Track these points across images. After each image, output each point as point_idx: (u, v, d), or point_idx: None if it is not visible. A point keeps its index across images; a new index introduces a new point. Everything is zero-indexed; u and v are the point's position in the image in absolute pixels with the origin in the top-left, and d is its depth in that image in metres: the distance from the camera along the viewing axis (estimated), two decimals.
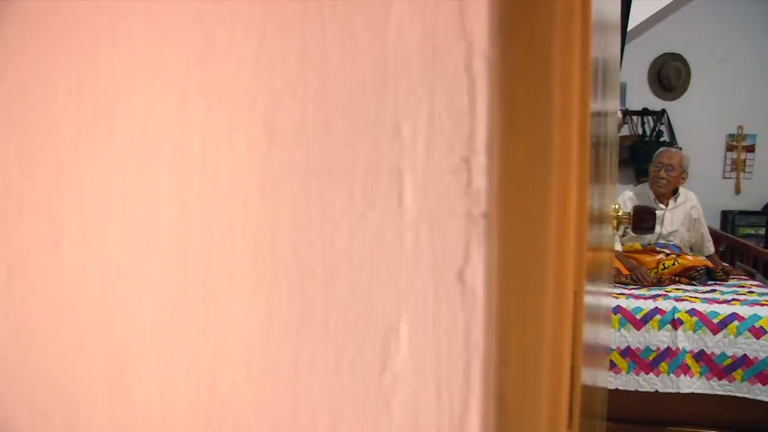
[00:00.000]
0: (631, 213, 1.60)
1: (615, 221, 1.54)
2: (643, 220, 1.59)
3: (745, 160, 4.49)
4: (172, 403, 0.31)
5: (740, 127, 4.48)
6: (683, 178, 3.31)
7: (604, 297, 1.20)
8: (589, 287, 0.64)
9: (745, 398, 2.58)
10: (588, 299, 0.64)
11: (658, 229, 3.27)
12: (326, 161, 0.26)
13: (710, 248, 3.39)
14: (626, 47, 4.25)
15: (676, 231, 3.30)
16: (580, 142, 0.44)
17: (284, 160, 0.27)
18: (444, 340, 0.26)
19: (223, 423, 0.30)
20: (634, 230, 1.59)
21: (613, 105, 1.37)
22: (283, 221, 0.27)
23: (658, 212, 3.26)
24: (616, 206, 1.54)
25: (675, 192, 3.33)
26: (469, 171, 0.25)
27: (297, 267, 0.27)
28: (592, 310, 0.76)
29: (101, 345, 0.31)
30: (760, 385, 2.56)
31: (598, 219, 0.91)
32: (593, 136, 0.64)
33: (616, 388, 2.63)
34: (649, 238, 3.28)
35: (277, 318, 0.28)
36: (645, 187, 3.38)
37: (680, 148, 4.34)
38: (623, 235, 3.23)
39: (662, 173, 3.22)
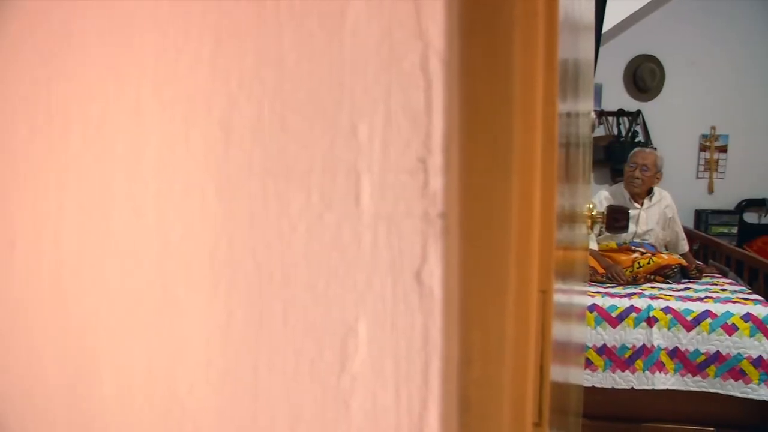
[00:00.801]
0: (605, 212, 1.62)
1: (589, 220, 1.56)
2: (617, 219, 1.61)
3: (717, 160, 4.57)
4: (129, 406, 0.30)
5: (713, 128, 4.56)
6: (658, 178, 3.37)
7: (578, 295, 1.21)
8: (560, 286, 0.65)
9: (718, 394, 2.63)
10: (559, 297, 0.65)
11: (633, 228, 3.31)
12: (283, 162, 0.26)
13: (684, 247, 3.45)
14: (602, 49, 4.30)
15: (651, 230, 3.35)
16: (546, 142, 0.44)
17: (241, 161, 0.27)
18: (402, 341, 0.26)
19: (182, 426, 0.30)
20: (608, 229, 1.61)
21: (586, 105, 1.38)
22: (241, 222, 0.27)
23: (633, 212, 3.31)
24: (591, 206, 1.55)
25: (650, 192, 3.38)
26: (425, 171, 0.25)
27: (255, 268, 0.27)
28: (564, 309, 0.77)
29: (56, 347, 0.30)
30: (732, 380, 2.61)
31: (571, 218, 0.91)
32: (564, 136, 0.64)
33: (593, 386, 2.66)
34: (624, 237, 3.32)
35: (235, 320, 0.28)
36: (620, 187, 3.43)
37: (655, 149, 4.41)
38: (599, 234, 3.27)
39: (637, 173, 3.28)
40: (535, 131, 0.38)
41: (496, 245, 0.33)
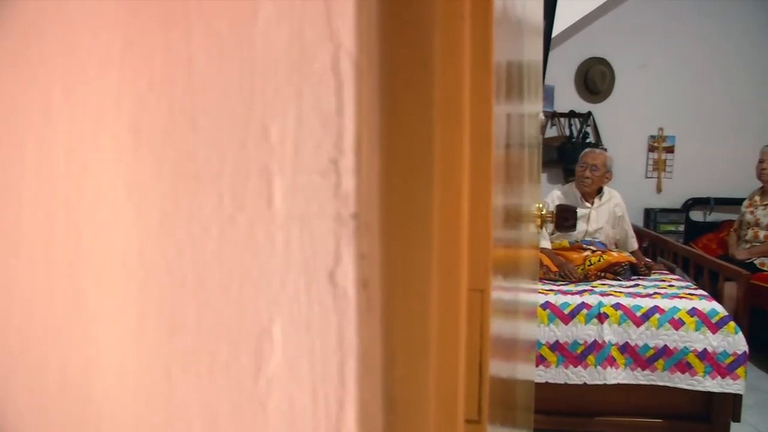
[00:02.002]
0: (555, 212, 1.65)
1: (539, 220, 1.59)
2: (566, 218, 1.64)
3: (665, 160, 4.71)
4: (43, 413, 0.29)
5: (661, 129, 4.70)
6: (607, 178, 3.47)
7: (527, 293, 1.23)
8: (502, 284, 0.66)
9: (666, 386, 2.71)
10: (502, 295, 0.66)
11: (584, 227, 3.40)
12: (194, 163, 0.26)
13: (634, 244, 3.55)
14: (554, 51, 4.39)
15: (601, 228, 3.44)
16: (481, 141, 0.44)
17: (151, 163, 0.26)
18: (317, 342, 0.26)
19: None
20: (557, 228, 1.64)
21: (535, 106, 1.41)
22: (152, 225, 0.27)
23: (584, 210, 3.40)
24: (540, 205, 1.58)
25: (600, 191, 3.47)
26: (337, 172, 0.25)
27: (167, 271, 0.27)
28: (509, 306, 0.78)
29: None
30: (679, 373, 2.69)
31: (516, 217, 0.93)
32: (505, 135, 0.65)
33: (546, 382, 2.72)
34: (576, 235, 3.40)
35: (147, 324, 0.27)
36: (572, 187, 3.51)
37: (605, 149, 4.52)
38: (552, 233, 3.34)
39: (587, 173, 3.36)
40: (463, 131, 0.38)
41: (417, 246, 0.33)
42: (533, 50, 1.26)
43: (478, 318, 0.46)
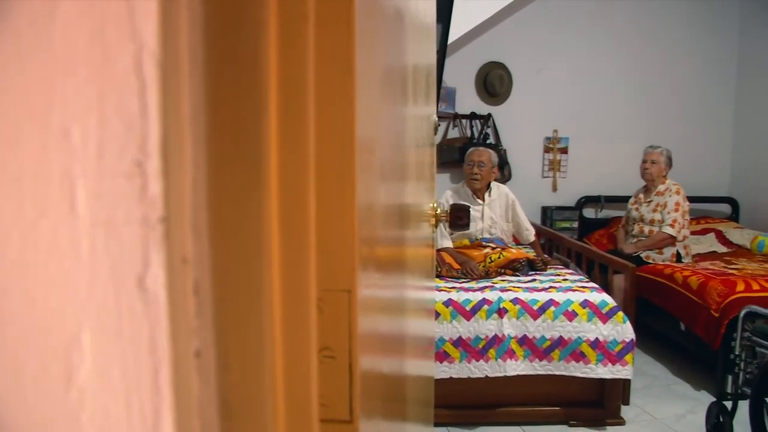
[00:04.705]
0: (449, 211, 1.69)
1: (434, 219, 1.62)
2: (459, 217, 1.69)
3: (560, 160, 4.96)
4: None
5: (555, 131, 4.94)
6: (494, 173, 3.61)
7: (418, 290, 1.25)
8: (382, 283, 0.66)
9: (562, 375, 2.85)
10: (381, 294, 0.67)
11: (480, 224, 3.51)
12: None
13: (530, 236, 3.70)
14: (456, 54, 4.52)
15: (496, 223, 3.57)
16: (343, 143, 0.45)
17: None
18: (129, 349, 0.26)
19: None
20: (451, 227, 1.69)
21: (427, 108, 1.43)
22: None
23: (478, 208, 3.51)
24: (434, 204, 1.62)
25: (488, 187, 3.60)
26: (143, 175, 0.25)
27: None
28: (393, 304, 0.79)
29: None
30: (574, 362, 2.83)
31: (403, 217, 0.94)
32: (386, 137, 0.66)
33: (450, 377, 2.79)
34: (475, 233, 3.51)
35: None
36: (463, 185, 3.63)
37: (504, 150, 4.69)
38: (452, 234, 3.43)
39: (475, 170, 3.49)
40: (307, 132, 0.38)
41: (250, 248, 0.33)
42: (423, 53, 1.29)
43: (346, 318, 0.47)
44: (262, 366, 0.34)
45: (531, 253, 3.55)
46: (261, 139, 0.33)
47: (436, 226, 1.63)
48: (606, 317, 2.83)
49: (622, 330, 2.82)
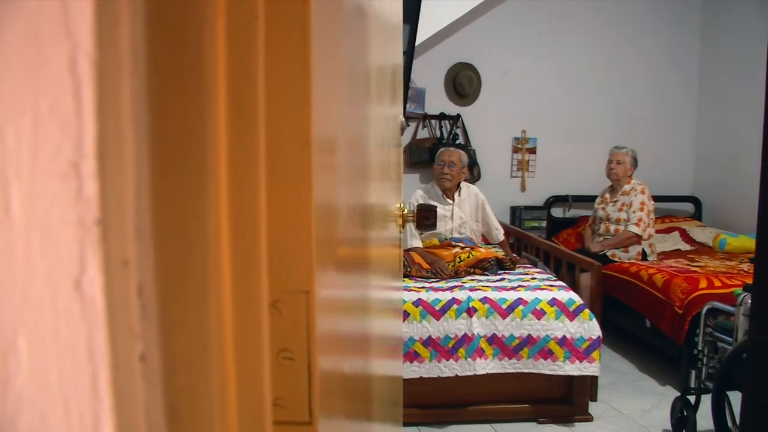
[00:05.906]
0: (416, 211, 1.70)
1: (400, 219, 1.62)
2: (426, 217, 1.69)
3: (528, 161, 5.01)
4: None
5: (524, 131, 4.99)
6: (464, 173, 3.64)
7: (384, 290, 1.25)
8: (342, 283, 0.66)
9: (531, 373, 2.88)
10: (342, 294, 0.66)
11: (450, 224, 3.54)
12: None
13: (499, 236, 3.74)
14: (425, 55, 4.53)
15: (466, 223, 3.60)
16: (299, 142, 0.44)
17: None
18: (67, 354, 0.25)
19: None
20: (418, 227, 1.69)
21: (392, 108, 1.43)
22: None
23: (447, 207, 3.54)
24: (401, 204, 1.62)
25: (458, 187, 3.63)
26: (78, 177, 0.24)
27: None
28: (355, 304, 0.79)
29: None
30: (542, 360, 2.87)
31: (367, 217, 0.94)
32: (347, 138, 0.66)
33: (420, 377, 2.80)
34: (444, 233, 3.53)
35: None
36: (433, 185, 3.65)
37: (473, 150, 4.72)
38: (421, 234, 3.44)
39: (445, 169, 3.52)
40: (257, 132, 0.38)
41: (195, 250, 0.33)
42: (389, 52, 1.29)
43: (304, 319, 0.46)
44: (209, 368, 0.34)
45: (500, 253, 3.58)
46: (207, 138, 0.33)
47: (403, 226, 1.64)
48: (573, 315, 2.87)
49: (589, 327, 2.86)
